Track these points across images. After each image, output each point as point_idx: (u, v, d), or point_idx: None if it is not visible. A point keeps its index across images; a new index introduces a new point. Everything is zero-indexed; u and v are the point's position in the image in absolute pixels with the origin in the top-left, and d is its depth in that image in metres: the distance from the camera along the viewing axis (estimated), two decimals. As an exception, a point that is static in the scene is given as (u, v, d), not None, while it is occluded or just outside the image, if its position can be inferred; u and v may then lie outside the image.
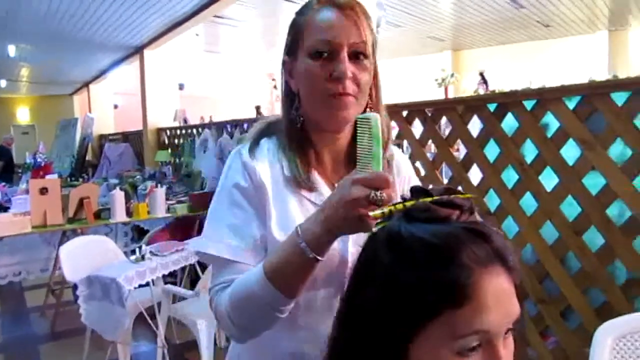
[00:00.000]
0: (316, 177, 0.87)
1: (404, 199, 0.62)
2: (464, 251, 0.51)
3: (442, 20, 8.15)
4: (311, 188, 0.86)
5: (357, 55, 0.83)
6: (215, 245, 0.83)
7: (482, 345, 0.51)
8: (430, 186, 0.65)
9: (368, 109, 0.88)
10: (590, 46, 9.12)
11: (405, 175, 0.99)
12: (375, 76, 0.89)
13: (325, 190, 0.87)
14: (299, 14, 0.87)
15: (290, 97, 0.89)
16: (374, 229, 0.62)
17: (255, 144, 0.90)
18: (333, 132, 0.88)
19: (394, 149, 0.98)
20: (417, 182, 0.97)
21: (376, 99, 0.90)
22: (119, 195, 3.71)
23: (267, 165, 0.87)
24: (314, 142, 0.89)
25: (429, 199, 0.58)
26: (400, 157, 1.00)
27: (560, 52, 9.47)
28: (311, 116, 0.87)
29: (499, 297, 0.51)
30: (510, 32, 9.12)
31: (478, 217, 0.59)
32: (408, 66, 10.80)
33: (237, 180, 0.86)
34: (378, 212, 0.63)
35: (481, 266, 0.51)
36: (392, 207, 0.61)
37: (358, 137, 0.79)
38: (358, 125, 0.80)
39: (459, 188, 2.48)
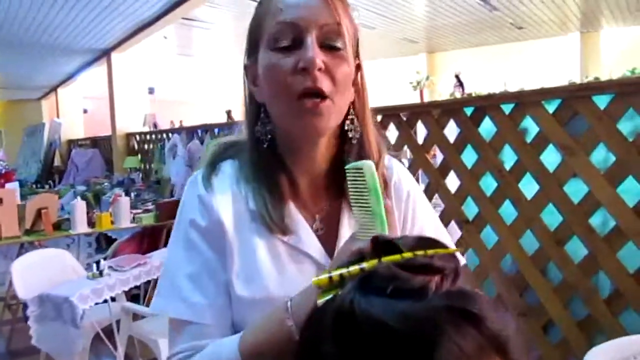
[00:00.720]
0: (292, 211, 0.70)
1: (362, 257, 0.44)
2: (445, 343, 0.35)
3: (414, 21, 8.15)
4: (285, 230, 0.68)
5: (330, 42, 0.65)
6: (173, 305, 0.67)
7: None
8: (399, 234, 0.48)
9: (348, 121, 0.71)
10: (563, 48, 9.25)
11: (404, 190, 0.78)
12: (361, 76, 0.73)
13: (304, 231, 0.69)
14: (259, 3, 0.70)
15: (254, 111, 0.72)
16: (318, 302, 0.43)
17: (212, 169, 0.73)
18: (304, 145, 0.70)
19: (392, 163, 0.80)
20: (415, 199, 0.79)
21: (361, 107, 0.72)
22: (80, 205, 3.53)
23: (229, 196, 0.70)
24: (287, 165, 0.71)
25: (396, 258, 0.41)
26: (399, 172, 0.80)
27: (534, 54, 9.58)
28: (281, 131, 0.70)
29: None
30: (484, 34, 9.19)
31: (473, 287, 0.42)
32: (383, 69, 10.77)
33: (192, 217, 0.69)
34: (324, 276, 0.44)
35: None
36: (344, 271, 0.43)
37: (351, 193, 0.62)
38: (349, 178, 0.62)
39: (435, 195, 2.41)
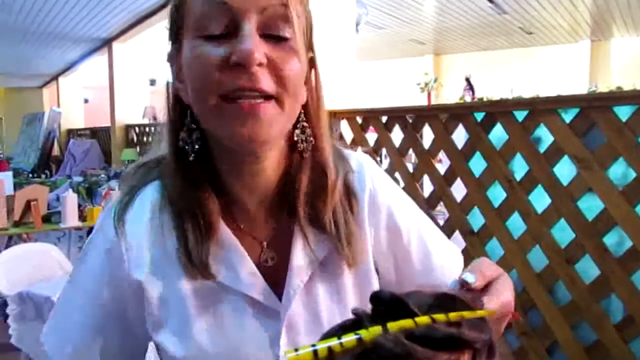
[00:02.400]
0: (226, 242, 0.57)
1: (358, 317, 0.32)
2: None
3: (424, 23, 8.07)
4: (207, 272, 0.55)
5: (275, 31, 0.51)
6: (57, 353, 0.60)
7: None
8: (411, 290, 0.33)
9: (298, 130, 0.57)
10: (572, 55, 9.14)
11: (383, 204, 0.64)
12: (315, 74, 0.59)
13: (243, 265, 0.56)
14: None
15: (179, 112, 0.57)
16: None
17: (128, 199, 0.59)
18: (246, 158, 0.57)
19: (363, 167, 0.65)
20: (401, 207, 0.66)
21: (315, 110, 0.59)
22: (71, 199, 3.44)
23: (146, 237, 0.58)
24: (225, 184, 0.58)
25: (407, 323, 0.29)
26: (374, 179, 0.65)
27: (542, 60, 9.49)
28: (212, 136, 0.56)
29: None
30: (493, 38, 9.09)
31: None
32: (389, 69, 10.69)
33: (95, 263, 0.59)
34: (304, 351, 0.30)
35: None
36: (335, 342, 0.30)
37: None
38: None
39: (440, 204, 2.32)
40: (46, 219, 3.44)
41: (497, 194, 1.97)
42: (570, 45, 9.17)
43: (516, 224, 1.92)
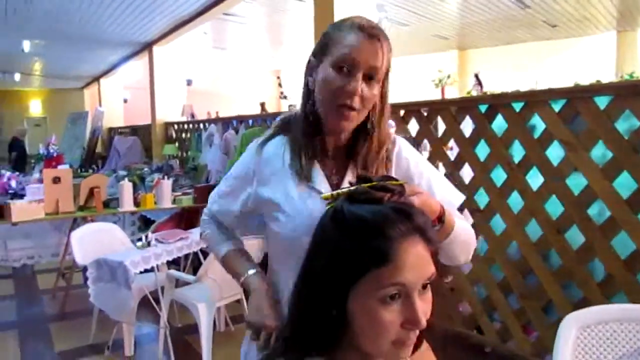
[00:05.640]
0: (316, 166, 1.03)
1: (351, 184, 0.77)
2: (389, 225, 0.65)
3: (447, 19, 8.16)
4: (308, 178, 1.02)
5: (370, 77, 0.96)
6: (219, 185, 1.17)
7: (402, 297, 0.65)
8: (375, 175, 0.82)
9: (369, 124, 1.02)
10: (598, 46, 9.10)
11: (404, 158, 1.09)
12: (382, 98, 1.02)
13: (320, 178, 1.03)
14: (336, 28, 1.00)
15: (307, 92, 1.03)
16: (326, 208, 0.76)
17: (268, 139, 1.09)
18: (334, 133, 1.04)
19: (398, 139, 1.10)
20: (418, 164, 1.09)
21: (380, 111, 1.03)
22: (127, 186, 3.84)
23: (276, 154, 1.06)
24: (323, 130, 1.04)
25: (369, 184, 0.73)
26: (402, 144, 1.10)
27: (568, 53, 9.45)
28: (321, 113, 1.02)
29: (414, 260, 0.65)
30: (516, 32, 9.11)
31: (414, 199, 0.76)
32: (413, 65, 10.83)
33: (252, 156, 1.09)
34: (328, 193, 0.78)
35: (402, 237, 0.65)
36: (340, 191, 0.75)
37: None
38: None
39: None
40: (105, 205, 3.86)
41: (499, 176, 2.22)
42: (596, 36, 9.13)
43: (516, 201, 2.16)
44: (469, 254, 1.04)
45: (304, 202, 1.00)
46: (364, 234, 0.65)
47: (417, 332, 0.67)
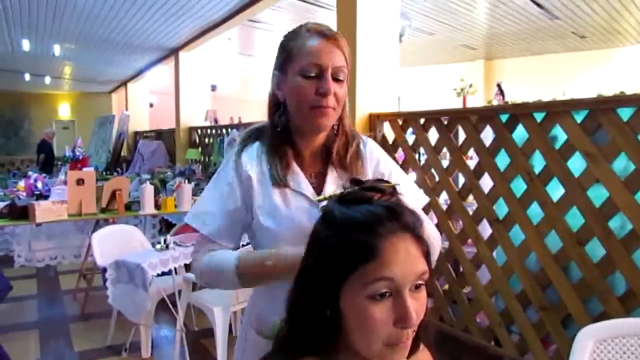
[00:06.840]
0: (295, 170, 1.06)
1: (344, 187, 0.80)
2: (377, 222, 0.66)
3: (474, 29, 8.13)
4: (287, 183, 1.05)
5: (337, 76, 1.01)
6: (200, 222, 1.08)
7: (392, 295, 0.65)
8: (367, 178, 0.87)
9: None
10: (628, 59, 8.93)
11: (375, 157, 1.15)
12: (344, 93, 1.07)
13: (303, 181, 1.06)
14: (290, 39, 1.05)
15: (275, 104, 1.08)
16: (320, 207, 0.79)
17: (243, 147, 1.11)
18: (313, 134, 1.08)
19: (368, 140, 1.17)
20: (387, 163, 1.15)
21: (343, 112, 1.09)
22: (148, 189, 3.91)
23: (254, 163, 1.07)
24: (294, 141, 1.09)
25: (360, 187, 0.76)
26: (372, 144, 1.17)
27: (597, 64, 9.30)
28: (296, 122, 1.07)
29: (403, 256, 0.65)
30: (545, 43, 9.01)
31: (406, 201, 0.76)
32: (438, 73, 10.78)
33: (230, 171, 1.08)
34: (322, 197, 0.85)
35: (390, 233, 0.65)
36: (333, 194, 0.78)
37: None
38: None
39: (470, 196, 2.56)
40: (127, 207, 3.92)
41: (519, 186, 2.19)
42: (626, 48, 8.98)
43: (535, 212, 2.12)
44: (435, 256, 1.07)
45: (287, 206, 1.03)
46: (351, 230, 0.66)
47: (412, 333, 0.67)
